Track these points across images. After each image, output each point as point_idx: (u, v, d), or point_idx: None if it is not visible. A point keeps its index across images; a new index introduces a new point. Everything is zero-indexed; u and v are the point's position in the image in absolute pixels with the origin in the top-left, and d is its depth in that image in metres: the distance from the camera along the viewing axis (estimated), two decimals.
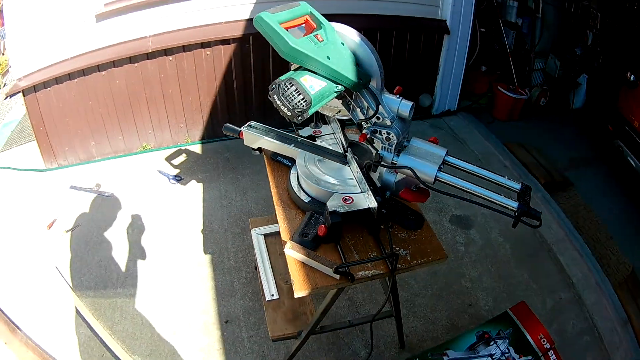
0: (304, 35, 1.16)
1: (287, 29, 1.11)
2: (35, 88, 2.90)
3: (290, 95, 1.08)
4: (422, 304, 2.17)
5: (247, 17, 2.97)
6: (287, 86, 1.08)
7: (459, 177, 1.22)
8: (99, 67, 2.93)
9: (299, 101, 1.08)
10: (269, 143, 1.58)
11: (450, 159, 1.29)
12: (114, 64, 2.94)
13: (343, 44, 1.19)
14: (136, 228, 2.64)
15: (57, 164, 3.24)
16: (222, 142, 3.37)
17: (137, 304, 2.20)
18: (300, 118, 1.11)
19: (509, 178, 1.23)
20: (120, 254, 2.47)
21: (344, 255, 1.26)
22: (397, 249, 1.30)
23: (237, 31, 2.96)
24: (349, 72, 1.15)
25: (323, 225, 1.26)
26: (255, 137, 1.60)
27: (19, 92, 2.86)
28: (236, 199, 2.86)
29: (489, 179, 1.25)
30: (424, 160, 1.24)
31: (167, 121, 3.31)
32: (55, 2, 2.70)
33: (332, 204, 1.28)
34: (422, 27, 3.29)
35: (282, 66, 2.79)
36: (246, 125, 1.63)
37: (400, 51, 3.35)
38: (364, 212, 1.27)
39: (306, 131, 1.68)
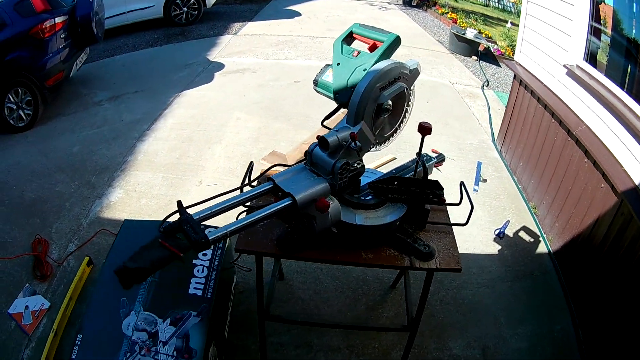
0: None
1: (358, 38, 1.59)
2: (521, 82, 3.58)
3: (319, 71, 1.68)
4: None
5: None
6: (324, 67, 1.67)
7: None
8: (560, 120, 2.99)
9: (317, 75, 1.66)
10: None
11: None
12: (560, 122, 2.97)
13: (365, 70, 1.47)
14: None
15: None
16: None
17: None
18: (314, 87, 1.69)
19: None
20: None
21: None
22: None
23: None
24: (336, 84, 1.51)
25: None
26: None
27: (513, 73, 3.72)
28: None
29: None
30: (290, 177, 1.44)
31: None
32: (553, 36, 3.13)
33: None
34: None
35: None
36: None
37: None
38: None
39: None
